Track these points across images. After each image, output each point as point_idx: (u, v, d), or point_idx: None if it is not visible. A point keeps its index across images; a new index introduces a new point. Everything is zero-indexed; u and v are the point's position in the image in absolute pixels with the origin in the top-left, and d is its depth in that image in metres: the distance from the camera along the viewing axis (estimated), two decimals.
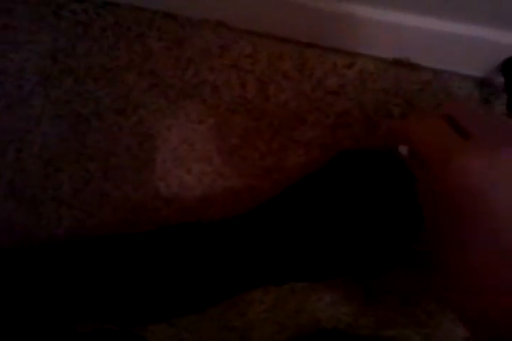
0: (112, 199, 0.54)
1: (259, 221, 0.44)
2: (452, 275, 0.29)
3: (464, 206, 0.27)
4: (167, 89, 0.54)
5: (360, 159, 0.47)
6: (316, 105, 0.52)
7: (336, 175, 0.46)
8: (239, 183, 0.52)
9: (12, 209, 0.54)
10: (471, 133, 0.28)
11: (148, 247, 0.45)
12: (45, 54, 0.55)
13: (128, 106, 0.55)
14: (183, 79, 0.54)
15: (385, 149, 0.48)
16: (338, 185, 0.45)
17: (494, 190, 0.26)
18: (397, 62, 0.50)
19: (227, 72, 0.53)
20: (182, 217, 0.52)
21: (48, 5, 0.55)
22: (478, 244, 0.26)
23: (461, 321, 0.29)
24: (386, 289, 0.49)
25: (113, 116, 0.55)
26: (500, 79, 0.47)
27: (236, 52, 0.53)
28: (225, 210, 0.50)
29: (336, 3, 0.46)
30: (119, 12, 0.54)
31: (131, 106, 0.55)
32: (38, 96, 0.55)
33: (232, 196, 0.52)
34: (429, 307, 0.49)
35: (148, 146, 0.54)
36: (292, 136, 0.52)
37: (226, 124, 0.53)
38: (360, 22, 0.47)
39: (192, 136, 0.53)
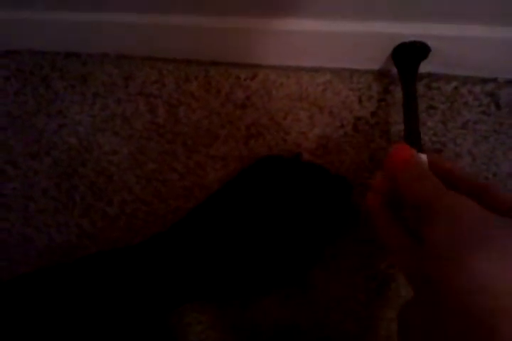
0: (37, 244, 0.52)
1: (177, 237, 0.42)
2: None
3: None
4: (77, 127, 0.53)
5: (274, 165, 0.47)
6: (227, 120, 0.52)
7: (251, 182, 0.45)
8: (162, 207, 0.50)
9: None
10: None
11: (65, 279, 0.42)
12: None
13: (41, 150, 0.54)
14: (92, 115, 0.53)
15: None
16: (253, 193, 0.44)
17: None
18: (298, 68, 0.51)
19: (135, 101, 0.53)
20: None
21: None
22: None
23: None
24: (320, 291, 0.46)
25: (27, 161, 0.54)
26: (395, 69, 0.48)
27: (141, 80, 0.53)
28: None
29: (224, 18, 0.48)
30: (20, 58, 0.55)
31: (44, 149, 0.54)
32: None
33: (157, 220, 0.50)
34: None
35: (65, 186, 0.52)
36: (208, 153, 0.51)
37: (141, 151, 0.52)
38: (253, 34, 0.49)
39: (108, 168, 0.52)
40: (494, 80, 0.48)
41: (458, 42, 0.46)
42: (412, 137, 0.39)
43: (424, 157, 0.35)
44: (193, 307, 0.46)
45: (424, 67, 0.49)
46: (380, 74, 0.50)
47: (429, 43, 0.47)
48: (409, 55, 0.46)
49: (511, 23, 0.43)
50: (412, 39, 0.46)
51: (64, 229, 0.52)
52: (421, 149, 0.37)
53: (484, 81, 0.48)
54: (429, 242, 0.26)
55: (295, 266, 0.43)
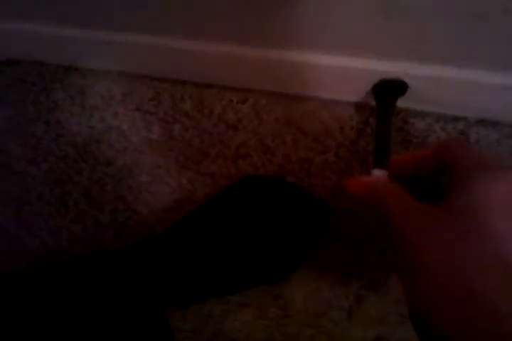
0: (28, 247, 0.55)
1: (162, 243, 0.46)
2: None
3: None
4: (74, 137, 0.56)
5: (259, 184, 0.51)
6: (218, 139, 0.55)
7: (235, 198, 0.49)
8: (152, 218, 0.54)
9: None
10: None
11: (52, 279, 0.46)
12: None
13: (38, 156, 0.57)
14: (90, 126, 0.57)
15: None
16: (236, 208, 0.48)
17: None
18: (287, 95, 0.55)
19: (132, 116, 0.56)
20: None
21: None
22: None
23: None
24: (295, 306, 0.51)
25: (25, 166, 0.57)
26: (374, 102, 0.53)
27: (138, 97, 0.57)
28: None
29: (220, 45, 0.51)
30: (22, 68, 0.57)
31: (41, 156, 0.57)
32: None
33: (147, 230, 0.54)
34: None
35: (59, 191, 0.55)
36: (198, 170, 0.55)
37: (135, 164, 0.55)
38: (246, 62, 0.52)
39: (103, 177, 0.55)
40: (465, 119, 0.53)
41: (434, 82, 0.51)
42: (380, 153, 0.43)
43: (381, 173, 0.39)
44: (175, 316, 0.50)
45: (402, 103, 0.53)
46: (362, 107, 0.55)
47: (408, 81, 0.51)
48: (387, 91, 0.51)
49: (482, 67, 0.48)
50: (392, 76, 0.50)
51: (56, 234, 0.55)
52: (387, 166, 0.41)
53: (456, 119, 0.53)
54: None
55: (269, 277, 0.48)
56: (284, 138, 0.55)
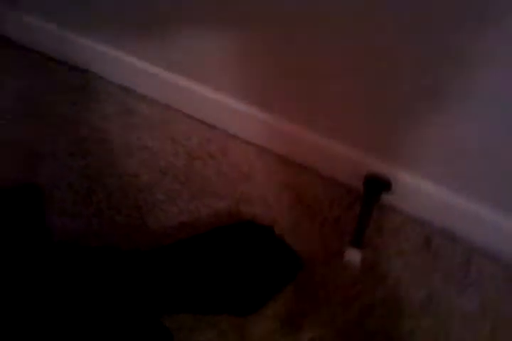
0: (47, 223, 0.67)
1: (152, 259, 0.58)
2: None
3: None
4: (113, 145, 0.67)
5: (250, 228, 0.62)
6: (229, 181, 0.66)
7: (225, 236, 0.61)
8: (160, 230, 0.66)
9: None
10: None
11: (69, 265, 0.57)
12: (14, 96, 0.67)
13: (79, 152, 0.67)
14: (128, 141, 0.67)
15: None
16: (223, 247, 0.59)
17: None
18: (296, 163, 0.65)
19: (164, 142, 0.66)
20: None
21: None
22: None
23: None
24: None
25: (65, 157, 0.67)
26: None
27: (174, 128, 0.66)
28: None
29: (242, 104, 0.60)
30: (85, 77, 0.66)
31: (81, 153, 0.67)
32: None
33: (152, 240, 0.66)
34: None
35: (86, 186, 0.67)
36: (206, 202, 0.66)
37: (156, 182, 0.66)
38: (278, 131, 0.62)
39: (127, 186, 0.67)
40: (431, 224, 0.64)
41: (414, 188, 0.61)
42: (358, 235, 0.56)
43: (355, 251, 0.53)
44: None
45: (388, 197, 0.64)
46: (352, 190, 0.65)
47: (393, 181, 0.61)
48: (375, 184, 0.61)
49: (454, 188, 0.58)
50: (383, 173, 0.60)
51: (76, 220, 0.67)
52: (361, 246, 0.54)
53: (426, 223, 0.64)
54: None
55: (238, 308, 0.61)
56: (283, 198, 0.66)
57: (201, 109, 0.64)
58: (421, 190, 0.60)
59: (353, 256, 0.54)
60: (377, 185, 0.61)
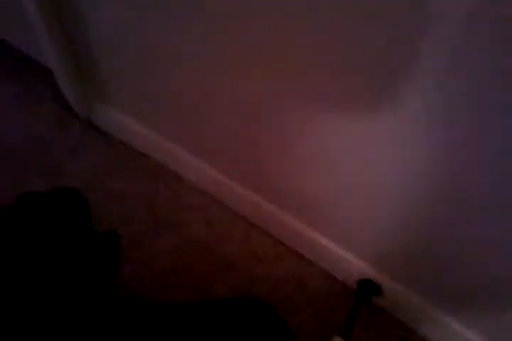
0: None
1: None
2: None
3: None
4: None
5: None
6: (237, 265, 0.77)
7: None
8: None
9: None
10: None
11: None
12: None
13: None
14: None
15: None
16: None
17: None
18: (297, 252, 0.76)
19: (196, 220, 0.79)
20: None
21: None
22: None
23: None
24: None
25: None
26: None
27: (200, 207, 0.80)
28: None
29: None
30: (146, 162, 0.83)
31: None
32: None
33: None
34: None
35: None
36: (213, 290, 0.76)
37: (182, 255, 0.78)
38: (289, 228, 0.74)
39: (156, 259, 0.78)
40: (414, 332, 0.72)
41: (403, 296, 0.70)
42: (347, 327, 0.64)
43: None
44: None
45: (379, 300, 0.73)
46: (348, 287, 0.75)
47: (384, 287, 0.70)
48: (366, 288, 0.71)
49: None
50: (373, 278, 0.70)
51: None
52: (348, 338, 0.62)
53: (409, 329, 0.72)
54: None
55: None
56: (286, 287, 0.75)
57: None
58: (411, 300, 0.70)
59: None
60: (369, 287, 0.71)
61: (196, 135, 0.74)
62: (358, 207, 0.62)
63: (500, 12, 0.35)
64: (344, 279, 0.76)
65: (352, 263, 0.72)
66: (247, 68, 0.55)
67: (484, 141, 0.43)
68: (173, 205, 0.83)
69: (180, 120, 0.74)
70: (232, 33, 0.52)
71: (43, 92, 0.95)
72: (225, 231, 0.81)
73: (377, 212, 0.60)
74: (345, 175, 0.59)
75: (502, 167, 0.44)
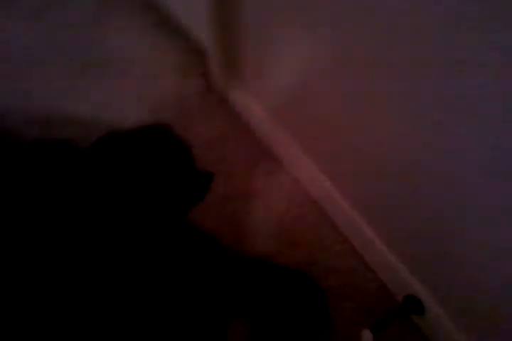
0: None
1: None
2: None
3: None
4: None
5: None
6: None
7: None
8: None
9: None
10: None
11: None
12: None
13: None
14: None
15: None
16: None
17: None
18: None
19: None
20: None
21: None
22: None
23: None
24: None
25: None
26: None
27: None
28: None
29: None
30: None
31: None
32: None
33: None
34: None
35: None
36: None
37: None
38: None
39: None
40: None
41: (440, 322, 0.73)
42: (380, 325, 0.69)
43: (369, 335, 0.66)
44: None
45: (417, 319, 0.77)
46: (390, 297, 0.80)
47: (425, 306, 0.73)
48: (408, 303, 0.74)
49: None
50: (419, 297, 0.74)
51: None
52: (376, 333, 0.67)
53: None
54: None
55: None
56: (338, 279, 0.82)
57: None
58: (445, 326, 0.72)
59: (367, 338, 0.67)
60: (411, 304, 0.75)
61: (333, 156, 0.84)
62: None
63: None
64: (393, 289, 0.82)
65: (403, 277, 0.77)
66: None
67: None
68: None
69: (314, 131, 0.85)
70: None
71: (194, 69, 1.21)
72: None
73: None
74: None
75: None
